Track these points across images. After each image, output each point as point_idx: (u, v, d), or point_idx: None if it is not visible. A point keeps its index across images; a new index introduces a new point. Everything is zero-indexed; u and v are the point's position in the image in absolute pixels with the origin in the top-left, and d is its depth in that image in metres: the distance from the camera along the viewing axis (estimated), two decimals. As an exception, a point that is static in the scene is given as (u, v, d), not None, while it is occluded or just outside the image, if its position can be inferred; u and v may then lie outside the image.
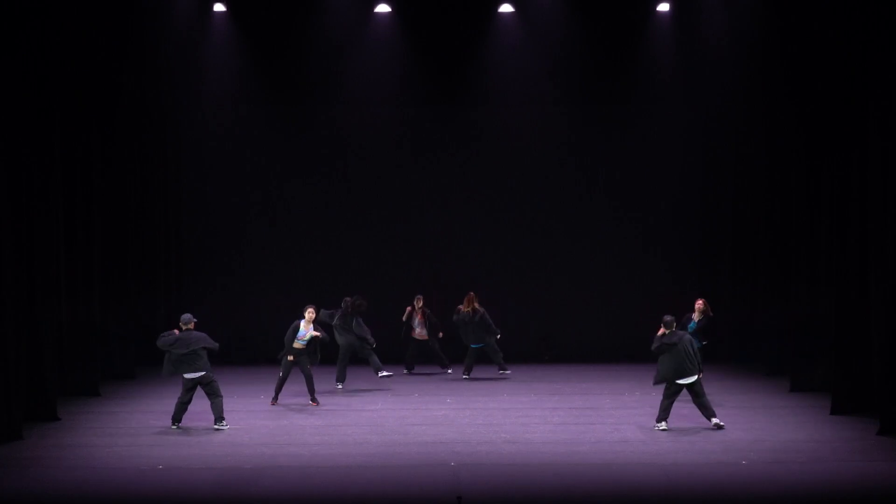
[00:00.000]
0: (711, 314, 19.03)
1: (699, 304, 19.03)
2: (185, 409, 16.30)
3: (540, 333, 23.56)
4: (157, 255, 22.87)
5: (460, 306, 20.75)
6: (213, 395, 16.25)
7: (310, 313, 18.14)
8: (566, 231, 23.80)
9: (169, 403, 18.32)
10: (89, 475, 13.55)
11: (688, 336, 16.10)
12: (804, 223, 19.01)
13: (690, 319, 18.86)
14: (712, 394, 16.72)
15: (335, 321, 19.90)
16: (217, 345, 16.34)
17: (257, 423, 16.61)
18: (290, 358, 17.98)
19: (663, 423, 15.95)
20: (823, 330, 18.19)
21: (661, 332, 15.97)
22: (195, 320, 16.49)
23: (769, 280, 21.14)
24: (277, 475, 13.47)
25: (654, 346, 15.98)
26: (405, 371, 21.59)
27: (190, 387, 16.20)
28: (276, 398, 18.28)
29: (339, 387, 19.88)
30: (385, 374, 19.80)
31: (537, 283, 23.58)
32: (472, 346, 20.86)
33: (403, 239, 23.75)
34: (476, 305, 20.63)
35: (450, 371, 21.54)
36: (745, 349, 22.16)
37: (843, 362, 16.96)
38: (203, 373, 16.12)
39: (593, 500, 12.47)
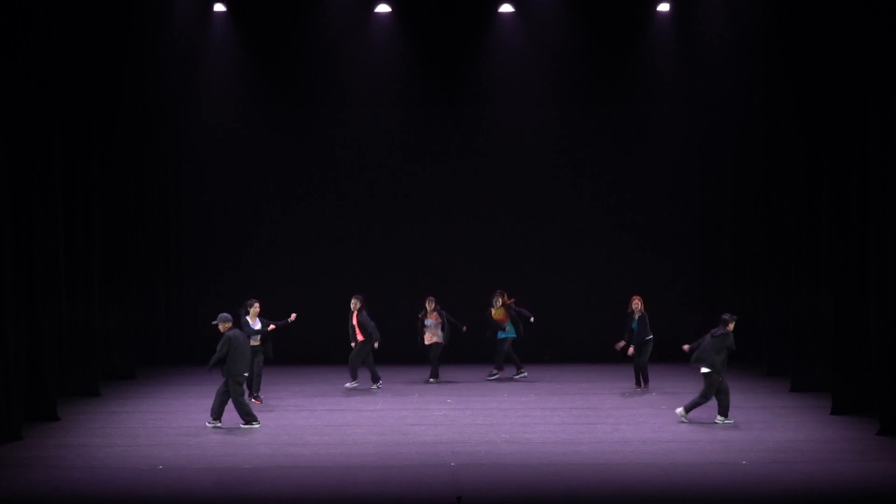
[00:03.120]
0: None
1: (637, 301, 19.52)
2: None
3: (540, 333, 23.49)
4: (156, 255, 22.88)
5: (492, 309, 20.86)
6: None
7: (255, 308, 18.05)
8: (566, 231, 23.78)
9: (168, 403, 18.39)
10: (89, 475, 13.54)
11: (722, 332, 16.64)
12: (804, 223, 18.99)
13: (633, 319, 19.43)
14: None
15: (369, 319, 19.76)
16: (217, 353, 16.11)
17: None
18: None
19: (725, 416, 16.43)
20: (823, 330, 18.19)
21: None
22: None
23: (769, 280, 21.13)
24: (277, 475, 13.46)
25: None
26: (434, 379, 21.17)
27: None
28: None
29: (382, 384, 19.86)
30: (352, 385, 19.78)
31: (537, 283, 23.53)
32: (510, 336, 20.89)
33: (403, 239, 23.72)
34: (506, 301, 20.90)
35: (432, 381, 21.10)
36: (745, 349, 22.10)
37: (843, 362, 16.96)
38: (245, 373, 16.47)
39: (593, 500, 12.46)
